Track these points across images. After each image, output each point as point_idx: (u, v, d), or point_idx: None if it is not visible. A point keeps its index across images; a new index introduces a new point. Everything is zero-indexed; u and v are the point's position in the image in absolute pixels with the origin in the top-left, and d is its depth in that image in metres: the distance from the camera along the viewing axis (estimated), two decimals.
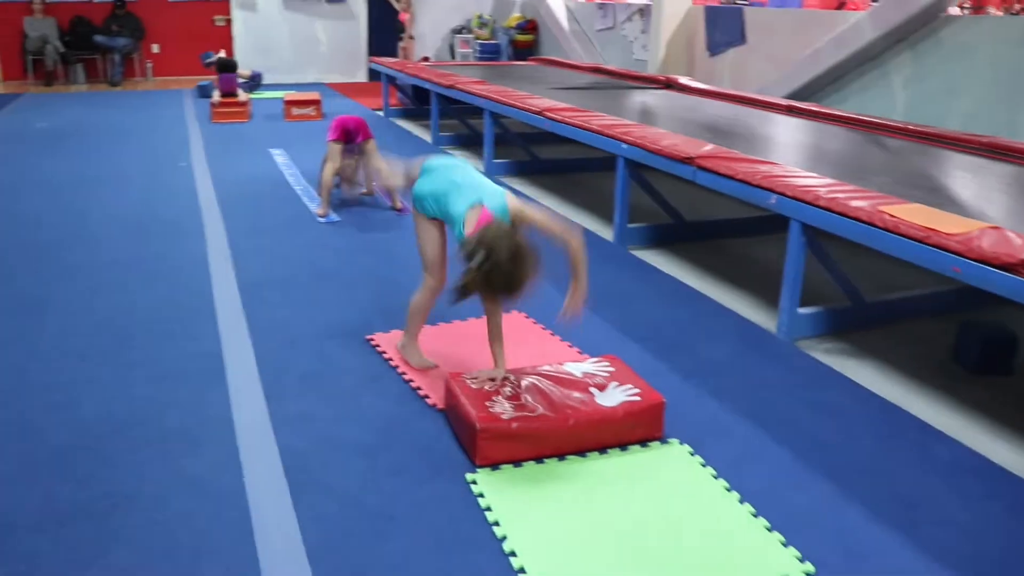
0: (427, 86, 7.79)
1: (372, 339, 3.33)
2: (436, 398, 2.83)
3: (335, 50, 13.20)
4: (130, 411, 2.76)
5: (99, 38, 12.45)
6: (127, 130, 8.45)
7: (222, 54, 9.83)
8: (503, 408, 2.50)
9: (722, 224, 5.01)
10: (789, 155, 4.55)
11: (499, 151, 6.73)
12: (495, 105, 6.25)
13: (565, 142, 5.54)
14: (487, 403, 2.52)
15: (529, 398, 2.57)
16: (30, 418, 2.72)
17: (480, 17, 13.32)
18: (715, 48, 9.02)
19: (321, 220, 5.10)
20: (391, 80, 9.50)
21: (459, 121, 8.02)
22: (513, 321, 3.53)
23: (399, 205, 5.29)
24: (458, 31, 13.26)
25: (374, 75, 12.26)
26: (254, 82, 10.99)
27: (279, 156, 7.08)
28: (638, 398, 2.61)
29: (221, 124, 8.74)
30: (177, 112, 9.65)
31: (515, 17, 13.19)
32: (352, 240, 4.76)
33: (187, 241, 4.69)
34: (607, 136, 4.68)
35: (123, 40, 12.55)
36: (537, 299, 3.73)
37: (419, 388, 2.92)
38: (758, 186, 3.60)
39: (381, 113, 9.60)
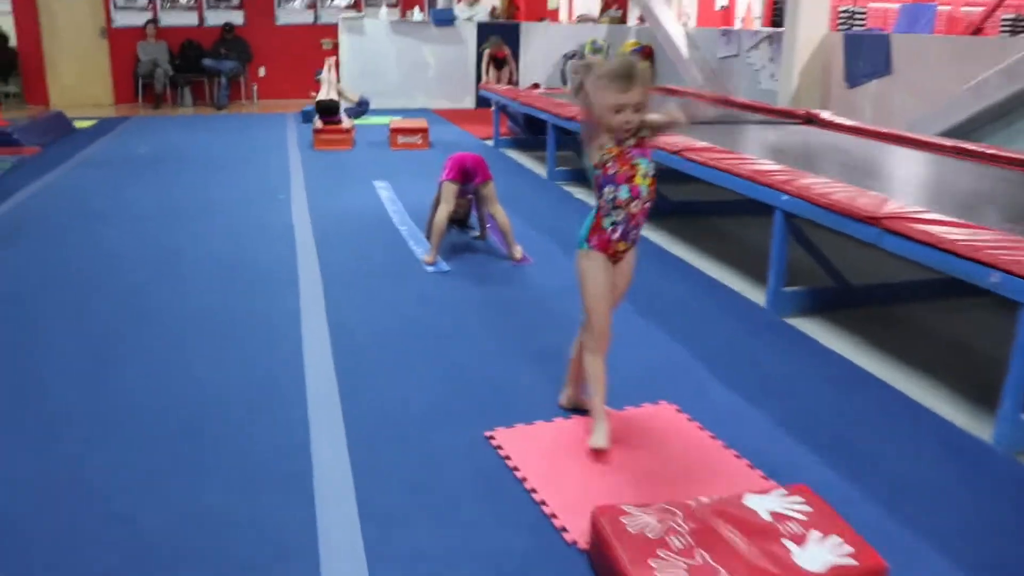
0: (543, 116, 7.23)
1: (492, 436, 2.72)
2: (576, 532, 2.20)
3: (443, 75, 12.80)
4: (196, 531, 2.23)
5: (207, 61, 12.43)
6: (228, 156, 8.17)
7: (332, 95, 9.33)
8: (674, 569, 1.87)
9: (897, 288, 4.22)
10: (989, 214, 3.77)
11: None
12: None
13: (689, 180, 4.83)
14: (651, 560, 1.89)
15: (707, 555, 1.93)
16: (80, 534, 2.22)
17: (594, 43, 12.75)
18: (855, 79, 8.23)
19: (429, 268, 4.55)
20: (502, 108, 8.99)
21: (577, 155, 7.41)
22: (662, 416, 2.90)
23: (517, 255, 4.69)
24: (571, 56, 12.73)
25: (482, 101, 11.82)
26: (361, 108, 10.62)
27: (383, 189, 6.61)
28: (852, 560, 1.94)
29: (323, 151, 8.37)
30: (279, 136, 9.37)
31: (630, 43, 12.57)
32: (466, 295, 4.18)
33: (280, 289, 4.21)
34: (762, 184, 4.00)
35: (230, 63, 12.49)
36: (690, 389, 3.12)
37: (554, 516, 2.29)
38: (972, 259, 2.88)
39: (491, 143, 9.09)
